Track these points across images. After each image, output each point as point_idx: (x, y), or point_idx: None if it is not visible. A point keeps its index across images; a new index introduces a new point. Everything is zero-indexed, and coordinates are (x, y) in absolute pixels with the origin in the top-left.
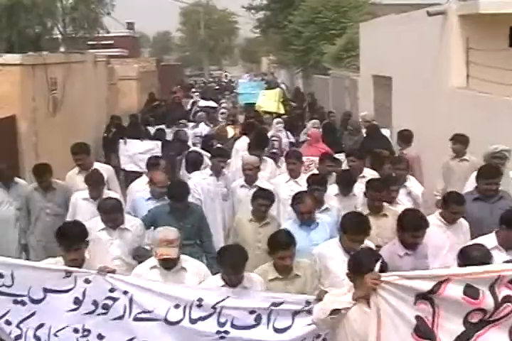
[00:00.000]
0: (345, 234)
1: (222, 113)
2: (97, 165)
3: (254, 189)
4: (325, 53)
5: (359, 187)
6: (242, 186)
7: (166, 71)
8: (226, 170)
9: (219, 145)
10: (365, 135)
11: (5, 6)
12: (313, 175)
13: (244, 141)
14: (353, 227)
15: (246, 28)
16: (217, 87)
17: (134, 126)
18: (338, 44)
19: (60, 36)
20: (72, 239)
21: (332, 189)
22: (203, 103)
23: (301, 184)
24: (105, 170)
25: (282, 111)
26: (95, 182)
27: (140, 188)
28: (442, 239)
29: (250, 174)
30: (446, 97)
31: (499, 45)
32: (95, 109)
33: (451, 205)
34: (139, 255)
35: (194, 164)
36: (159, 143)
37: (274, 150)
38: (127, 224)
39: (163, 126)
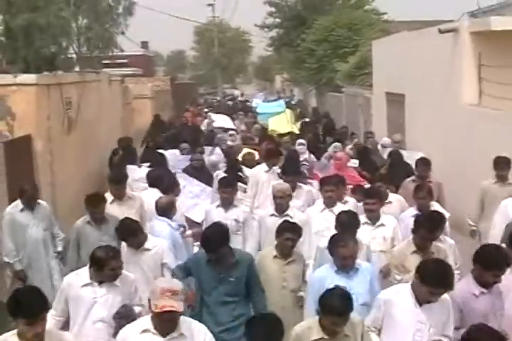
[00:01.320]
0: (423, 285)
1: (230, 134)
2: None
3: (287, 218)
4: (338, 71)
5: (386, 217)
6: (271, 215)
7: (180, 89)
8: (240, 201)
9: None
10: (384, 156)
11: (21, 26)
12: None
13: (262, 168)
14: (433, 279)
15: (259, 46)
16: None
17: (148, 149)
18: (351, 62)
19: (74, 56)
20: (36, 308)
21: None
22: (218, 123)
23: (337, 213)
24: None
25: (297, 131)
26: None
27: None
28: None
29: (281, 203)
30: (458, 114)
31: (511, 62)
32: (110, 127)
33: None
34: (122, 314)
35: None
36: None
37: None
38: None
39: (171, 151)
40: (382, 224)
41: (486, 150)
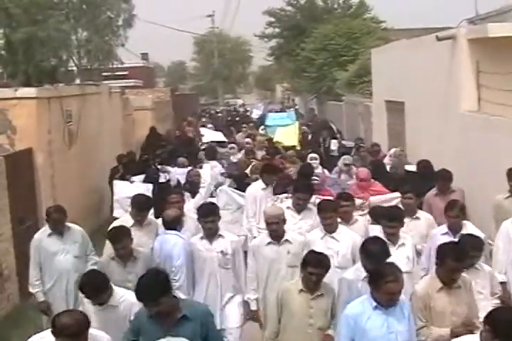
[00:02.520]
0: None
1: (231, 147)
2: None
3: (287, 244)
4: (338, 79)
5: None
6: (268, 244)
7: (181, 100)
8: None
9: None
10: (411, 169)
11: (21, 40)
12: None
13: (259, 186)
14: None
15: (259, 55)
16: (229, 118)
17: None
18: (350, 70)
19: (75, 68)
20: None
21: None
22: (208, 137)
23: (339, 239)
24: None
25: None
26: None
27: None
28: None
29: (276, 229)
30: (458, 121)
31: (509, 68)
32: (111, 140)
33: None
34: None
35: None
36: (150, 186)
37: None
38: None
39: (168, 168)
40: (403, 244)
41: (486, 156)
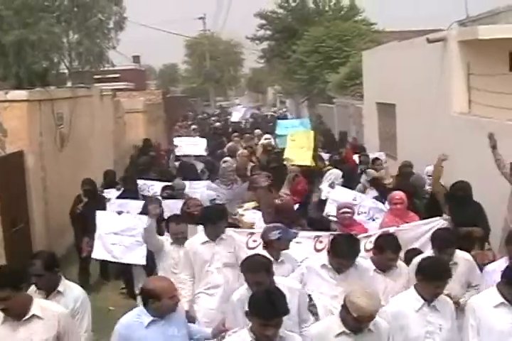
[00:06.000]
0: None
1: (224, 161)
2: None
3: None
4: (329, 82)
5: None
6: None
7: (172, 103)
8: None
9: None
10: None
11: (11, 42)
12: None
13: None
14: None
15: (251, 58)
16: (217, 124)
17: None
18: (341, 72)
19: (66, 71)
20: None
21: None
22: (183, 150)
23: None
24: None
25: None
26: None
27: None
28: None
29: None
30: (449, 123)
31: (499, 70)
32: (102, 142)
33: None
34: None
35: None
36: (144, 218)
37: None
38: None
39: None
40: None
41: (477, 158)
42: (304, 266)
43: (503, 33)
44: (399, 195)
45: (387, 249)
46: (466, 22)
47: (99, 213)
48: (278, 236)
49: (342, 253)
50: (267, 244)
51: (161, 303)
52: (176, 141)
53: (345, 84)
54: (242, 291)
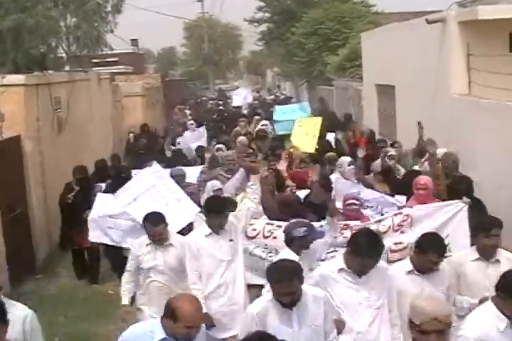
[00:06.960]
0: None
1: (218, 149)
2: None
3: None
4: (328, 64)
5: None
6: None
7: (171, 86)
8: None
9: None
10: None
11: (9, 28)
12: None
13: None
14: None
15: (250, 40)
16: (215, 114)
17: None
18: (341, 54)
19: (64, 55)
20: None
21: None
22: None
23: None
24: None
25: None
26: None
27: None
28: None
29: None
30: (449, 104)
31: (499, 51)
32: (100, 126)
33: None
34: None
35: None
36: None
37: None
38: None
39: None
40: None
41: (476, 140)
42: (315, 274)
43: (503, 14)
44: (424, 179)
45: (431, 250)
46: (466, 3)
47: (99, 195)
48: (303, 234)
49: (365, 252)
50: (290, 241)
51: (174, 326)
52: (180, 139)
53: (345, 66)
54: (263, 304)
